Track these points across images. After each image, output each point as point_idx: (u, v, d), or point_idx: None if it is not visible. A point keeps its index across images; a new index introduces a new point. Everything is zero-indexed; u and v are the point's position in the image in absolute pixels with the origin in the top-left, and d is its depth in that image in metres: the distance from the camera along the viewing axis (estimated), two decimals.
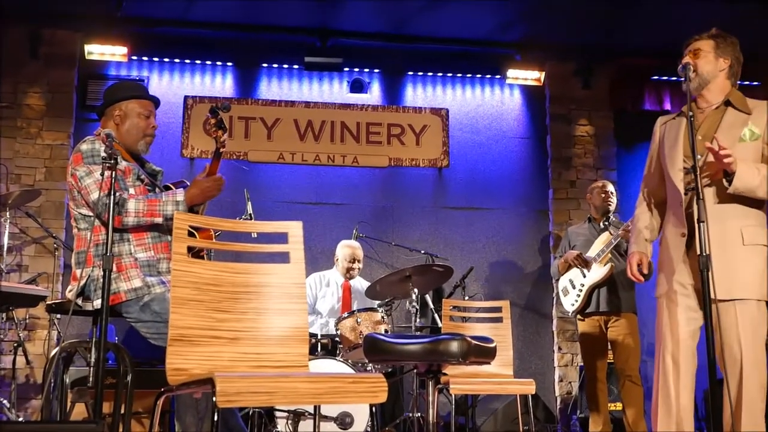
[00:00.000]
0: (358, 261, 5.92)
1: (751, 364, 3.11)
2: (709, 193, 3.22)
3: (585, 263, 5.31)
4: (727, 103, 3.35)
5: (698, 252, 2.96)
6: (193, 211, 3.48)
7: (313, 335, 5.14)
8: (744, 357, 3.11)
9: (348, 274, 5.89)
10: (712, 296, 2.96)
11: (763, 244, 3.23)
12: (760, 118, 3.26)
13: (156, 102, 3.67)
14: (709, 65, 3.35)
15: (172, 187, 3.52)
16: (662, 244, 3.44)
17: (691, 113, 3.08)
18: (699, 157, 3.15)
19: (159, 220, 3.30)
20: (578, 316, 5.48)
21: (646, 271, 3.49)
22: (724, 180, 3.16)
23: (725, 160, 3.08)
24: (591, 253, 5.33)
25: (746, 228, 3.21)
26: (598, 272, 5.25)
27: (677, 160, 3.31)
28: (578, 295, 5.35)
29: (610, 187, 5.61)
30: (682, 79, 3.27)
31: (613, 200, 5.55)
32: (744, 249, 3.18)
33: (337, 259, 5.98)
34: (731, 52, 3.39)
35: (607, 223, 5.44)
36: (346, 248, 5.96)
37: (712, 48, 3.37)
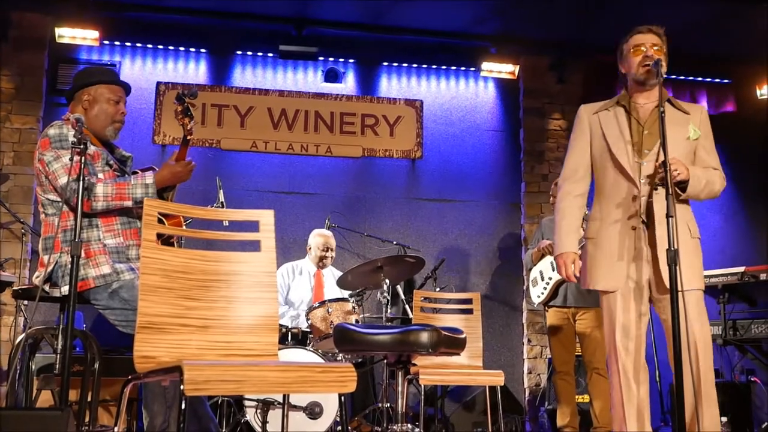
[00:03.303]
0: (332, 249, 5.93)
1: (704, 352, 3.19)
2: (660, 189, 3.27)
3: None
4: (668, 101, 3.40)
5: (666, 246, 3.00)
6: (163, 198, 3.45)
7: (283, 326, 5.13)
8: (698, 345, 3.18)
9: (321, 262, 5.90)
10: (677, 288, 3.05)
11: (699, 237, 3.39)
12: (696, 119, 3.40)
13: (126, 88, 3.62)
14: (664, 62, 3.38)
15: (140, 173, 3.49)
16: (599, 237, 3.38)
17: (662, 108, 3.11)
18: (647, 151, 3.31)
19: (128, 203, 3.26)
20: (545, 307, 5.51)
21: (578, 273, 3.43)
22: (676, 187, 3.24)
23: (678, 178, 3.20)
24: None
25: (690, 222, 3.36)
26: None
27: (627, 153, 3.33)
28: (545, 288, 5.39)
29: None
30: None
31: None
32: (692, 242, 3.31)
33: (310, 248, 5.98)
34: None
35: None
36: (319, 237, 5.96)
37: (662, 46, 3.41)
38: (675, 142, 3.28)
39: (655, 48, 3.37)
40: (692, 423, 3.18)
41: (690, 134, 3.36)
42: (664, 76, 3.29)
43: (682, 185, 3.24)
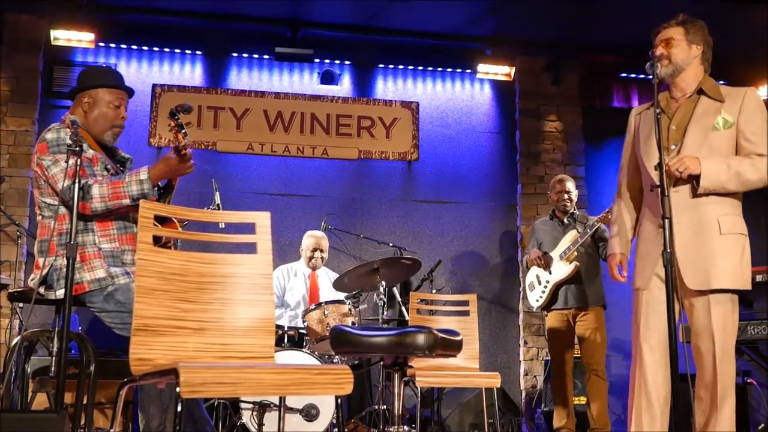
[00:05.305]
0: (321, 251, 5.92)
1: (723, 357, 3.11)
2: (686, 184, 3.21)
3: (546, 265, 5.34)
4: (700, 91, 3.32)
5: (680, 244, 3.01)
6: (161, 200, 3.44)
7: (280, 327, 5.13)
8: (717, 349, 3.10)
9: (310, 263, 5.89)
10: (689, 286, 3.10)
11: (742, 233, 3.22)
12: (733, 105, 3.25)
13: (129, 92, 3.58)
14: (683, 53, 3.33)
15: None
16: (641, 236, 3.41)
17: (658, 110, 3.09)
18: (674, 147, 3.25)
19: (126, 201, 3.20)
20: (544, 312, 5.51)
21: (626, 273, 3.46)
22: (693, 182, 3.17)
23: (683, 175, 3.14)
24: (558, 250, 5.35)
25: (723, 217, 3.19)
26: (563, 270, 5.28)
27: (653, 152, 3.25)
28: (543, 292, 5.38)
29: (569, 184, 5.51)
30: (651, 76, 3.28)
31: (570, 198, 5.48)
32: (721, 239, 3.16)
33: (302, 250, 5.99)
34: (702, 37, 3.38)
35: (572, 219, 5.46)
36: (310, 238, 5.98)
37: (684, 35, 3.35)
38: (699, 134, 3.22)
39: (671, 42, 3.34)
40: (704, 426, 3.15)
41: (718, 124, 3.22)
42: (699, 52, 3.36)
43: (697, 179, 3.14)
